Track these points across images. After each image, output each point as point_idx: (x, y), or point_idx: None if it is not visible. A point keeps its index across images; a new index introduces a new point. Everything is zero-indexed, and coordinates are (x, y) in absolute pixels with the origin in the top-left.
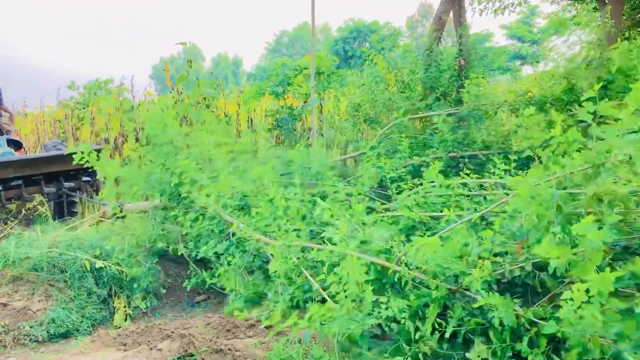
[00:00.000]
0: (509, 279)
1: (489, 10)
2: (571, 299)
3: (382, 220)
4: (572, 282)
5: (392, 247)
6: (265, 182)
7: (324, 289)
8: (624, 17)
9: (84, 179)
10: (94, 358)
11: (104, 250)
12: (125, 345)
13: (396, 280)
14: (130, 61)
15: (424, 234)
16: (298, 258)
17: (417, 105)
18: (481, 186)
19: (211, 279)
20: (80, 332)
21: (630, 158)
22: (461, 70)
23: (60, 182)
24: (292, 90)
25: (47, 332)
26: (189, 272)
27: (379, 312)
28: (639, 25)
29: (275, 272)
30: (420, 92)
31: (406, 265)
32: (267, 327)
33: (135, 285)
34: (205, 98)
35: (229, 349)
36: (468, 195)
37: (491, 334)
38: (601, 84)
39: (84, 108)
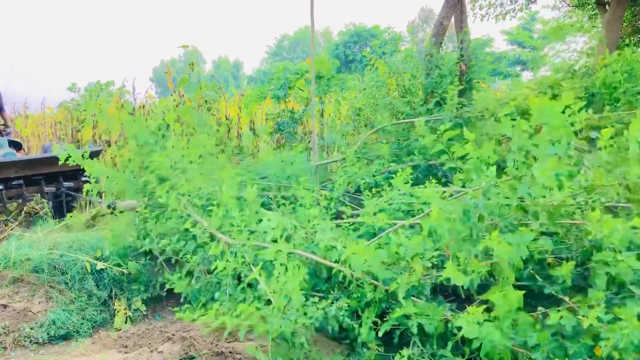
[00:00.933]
0: (436, 284)
1: (490, 16)
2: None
3: (339, 226)
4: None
5: (336, 247)
6: (224, 185)
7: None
8: (625, 24)
9: (83, 179)
10: None
11: (104, 252)
12: (126, 347)
13: (341, 279)
14: (130, 63)
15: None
16: (242, 257)
17: (418, 110)
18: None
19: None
20: (81, 334)
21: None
22: (462, 76)
23: (59, 182)
24: (293, 94)
25: (48, 333)
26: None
27: (313, 312)
28: (639, 32)
29: (221, 271)
30: (421, 97)
31: (350, 266)
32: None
33: (134, 287)
34: (206, 101)
35: (230, 352)
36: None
37: (415, 339)
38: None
39: (85, 110)
